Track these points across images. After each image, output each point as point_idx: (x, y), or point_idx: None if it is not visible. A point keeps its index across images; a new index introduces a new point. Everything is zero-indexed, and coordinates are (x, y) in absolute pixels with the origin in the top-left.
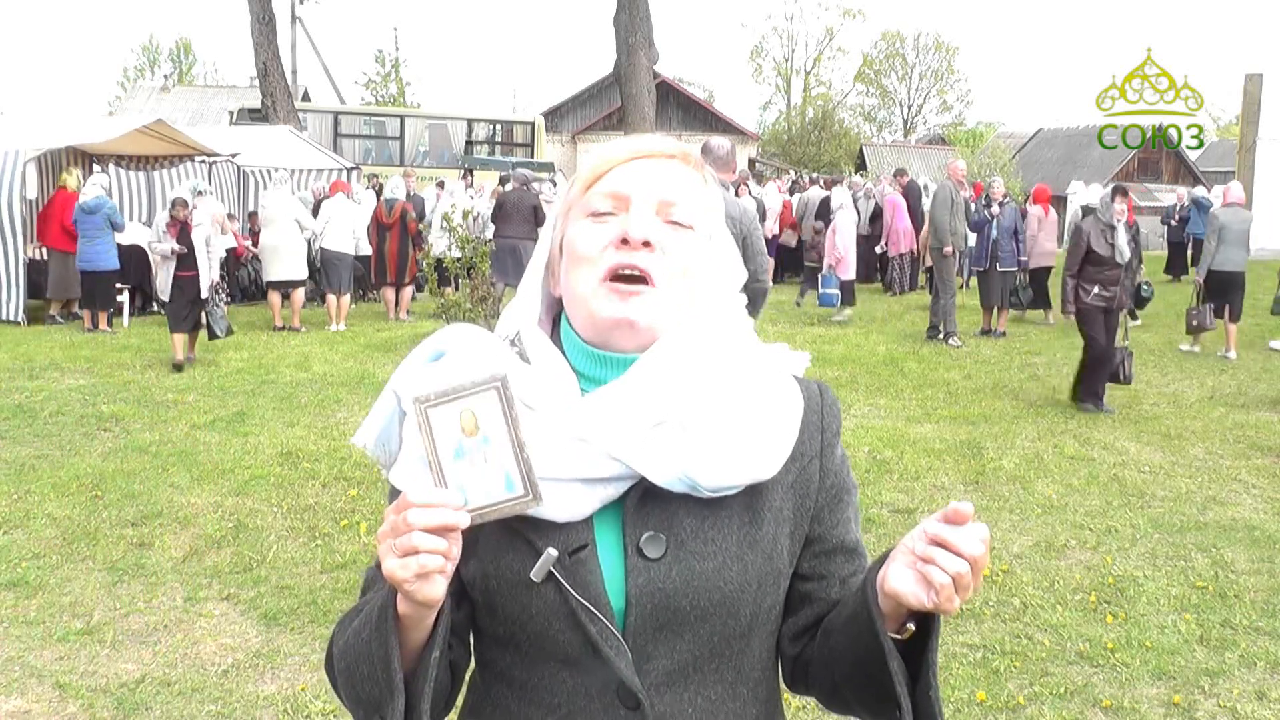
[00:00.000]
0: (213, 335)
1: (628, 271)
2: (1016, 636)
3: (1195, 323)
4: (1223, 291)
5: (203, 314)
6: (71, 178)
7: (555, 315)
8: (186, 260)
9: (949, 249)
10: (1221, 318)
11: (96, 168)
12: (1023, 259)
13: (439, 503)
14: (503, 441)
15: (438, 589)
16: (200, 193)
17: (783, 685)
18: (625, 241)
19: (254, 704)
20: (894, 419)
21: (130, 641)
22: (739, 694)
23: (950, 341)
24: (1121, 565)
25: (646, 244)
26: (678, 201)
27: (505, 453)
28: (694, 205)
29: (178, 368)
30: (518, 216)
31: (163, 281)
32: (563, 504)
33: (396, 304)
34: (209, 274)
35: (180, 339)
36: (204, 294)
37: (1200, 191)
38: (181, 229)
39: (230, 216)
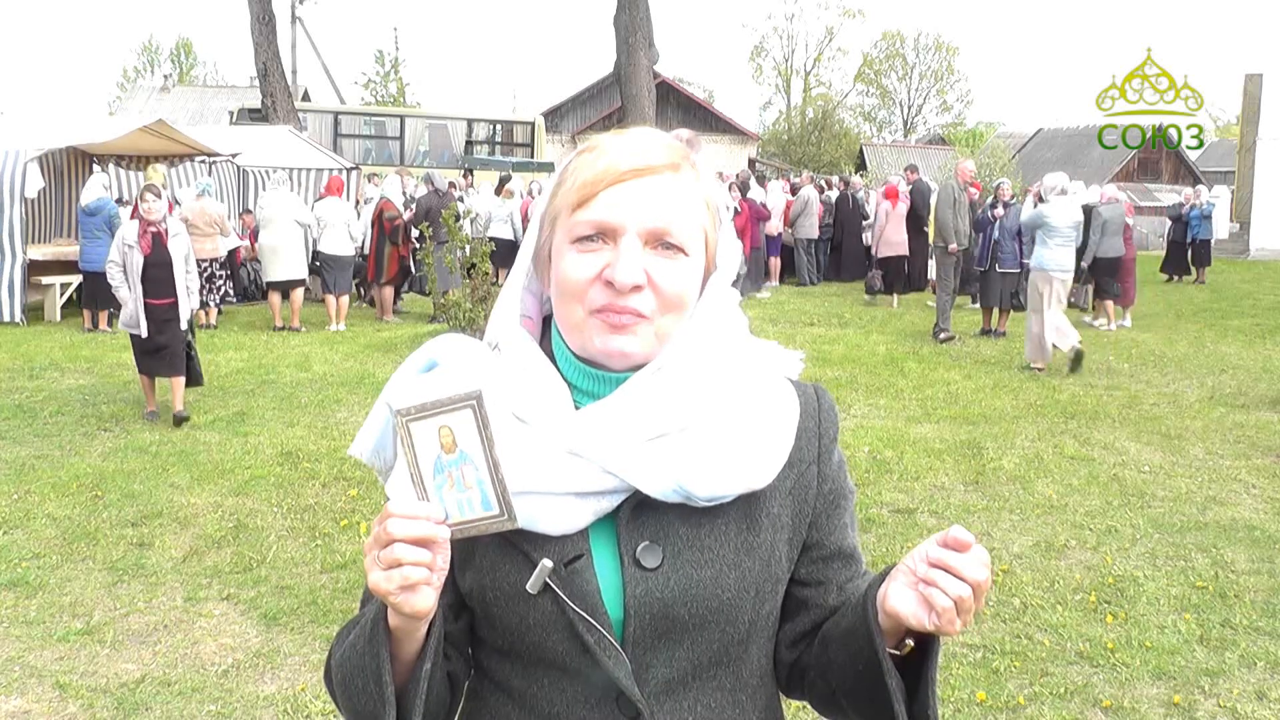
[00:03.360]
0: (194, 380)
1: (617, 312)
2: (1016, 636)
3: (1072, 299)
4: (1107, 273)
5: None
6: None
7: (547, 314)
8: (160, 283)
9: (954, 246)
10: (1105, 297)
11: (96, 168)
12: (1025, 260)
13: (420, 515)
14: (479, 460)
15: (424, 601)
16: (200, 194)
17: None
18: (612, 284)
19: (254, 704)
20: (894, 419)
21: (130, 641)
22: (738, 701)
23: (940, 336)
24: (1121, 565)
25: (635, 287)
26: (670, 229)
27: (482, 471)
28: (686, 224)
29: (151, 416)
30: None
31: (130, 312)
32: (557, 517)
33: (383, 304)
34: (189, 301)
35: (149, 384)
36: (183, 323)
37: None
38: (155, 241)
39: (247, 212)
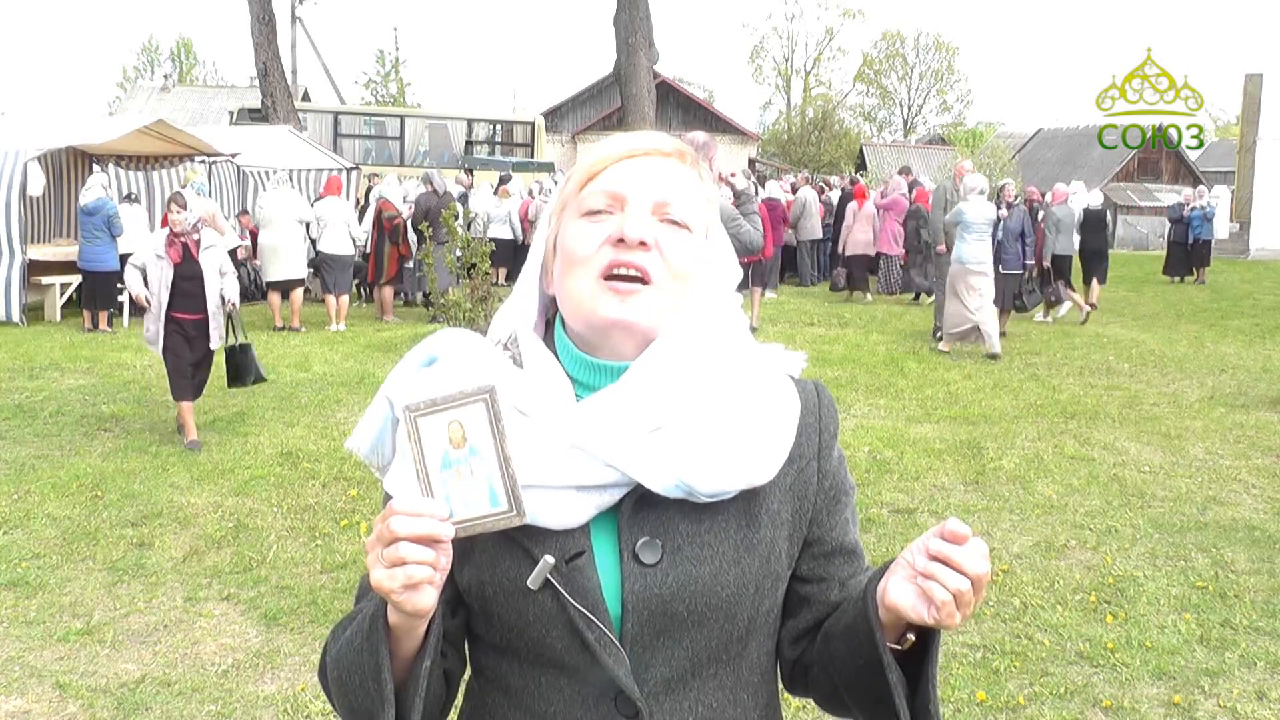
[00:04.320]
0: (237, 380)
1: (624, 270)
2: (1016, 636)
3: (1055, 298)
4: (1060, 271)
5: (209, 367)
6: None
7: (550, 316)
8: (190, 297)
9: (942, 247)
10: (1070, 288)
11: (96, 168)
12: (1028, 261)
13: (425, 512)
14: (489, 455)
15: (426, 599)
16: (200, 193)
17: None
18: (621, 241)
19: (254, 704)
20: (894, 419)
21: (130, 641)
22: (739, 699)
23: (936, 336)
24: (1121, 565)
25: (643, 244)
26: (674, 201)
27: (491, 466)
28: (690, 204)
29: (193, 444)
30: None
31: (153, 329)
32: (558, 511)
33: (383, 303)
34: (220, 318)
35: (189, 410)
36: (214, 344)
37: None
38: (185, 251)
39: (244, 213)
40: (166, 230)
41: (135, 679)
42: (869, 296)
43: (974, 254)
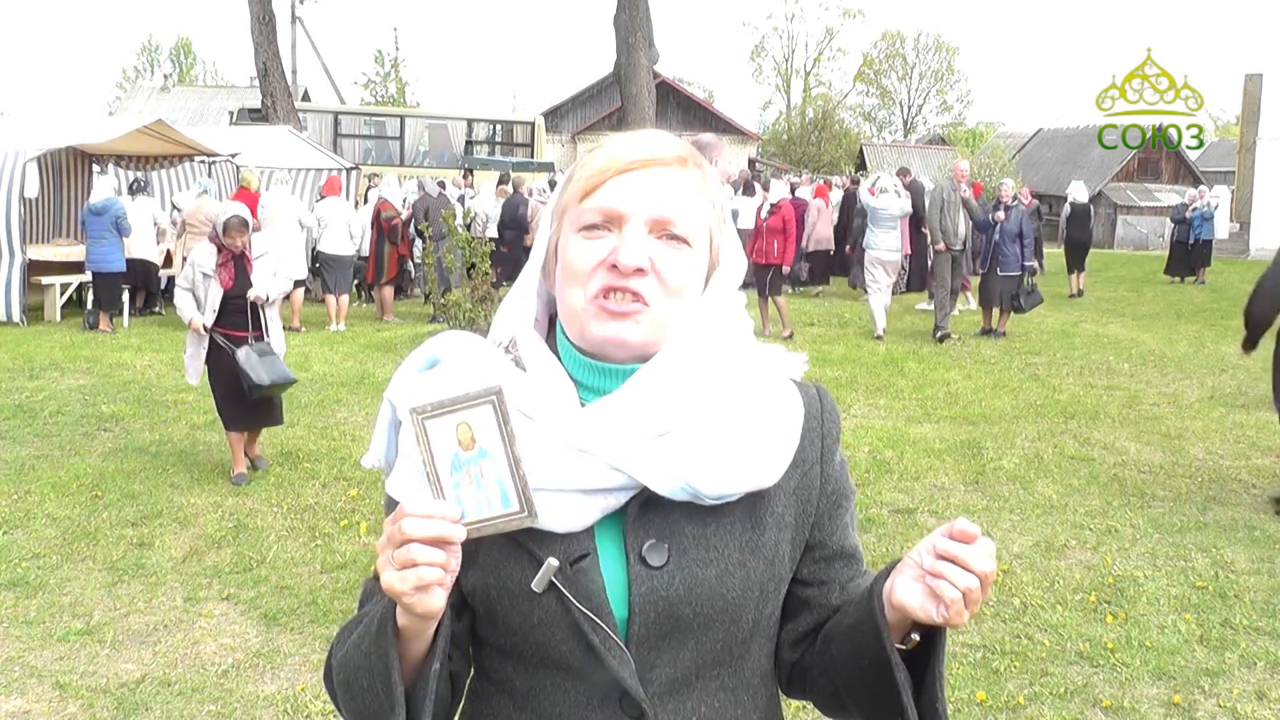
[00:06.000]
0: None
1: (619, 296)
2: (1016, 636)
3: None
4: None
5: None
6: (254, 177)
7: (552, 315)
8: (241, 314)
9: (940, 245)
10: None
11: (96, 168)
12: (1026, 263)
13: (436, 514)
14: (499, 456)
15: (437, 601)
16: (200, 194)
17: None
18: (616, 266)
19: (254, 704)
20: (894, 419)
21: (130, 641)
22: (740, 700)
23: (936, 334)
24: (1121, 565)
25: (638, 270)
26: (675, 219)
27: (501, 467)
28: (691, 216)
29: (240, 479)
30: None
31: (191, 351)
32: (563, 515)
33: (383, 303)
34: (280, 331)
35: (239, 440)
36: (275, 342)
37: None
38: (238, 265)
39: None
40: (215, 248)
41: (135, 679)
42: (817, 291)
43: (880, 242)
